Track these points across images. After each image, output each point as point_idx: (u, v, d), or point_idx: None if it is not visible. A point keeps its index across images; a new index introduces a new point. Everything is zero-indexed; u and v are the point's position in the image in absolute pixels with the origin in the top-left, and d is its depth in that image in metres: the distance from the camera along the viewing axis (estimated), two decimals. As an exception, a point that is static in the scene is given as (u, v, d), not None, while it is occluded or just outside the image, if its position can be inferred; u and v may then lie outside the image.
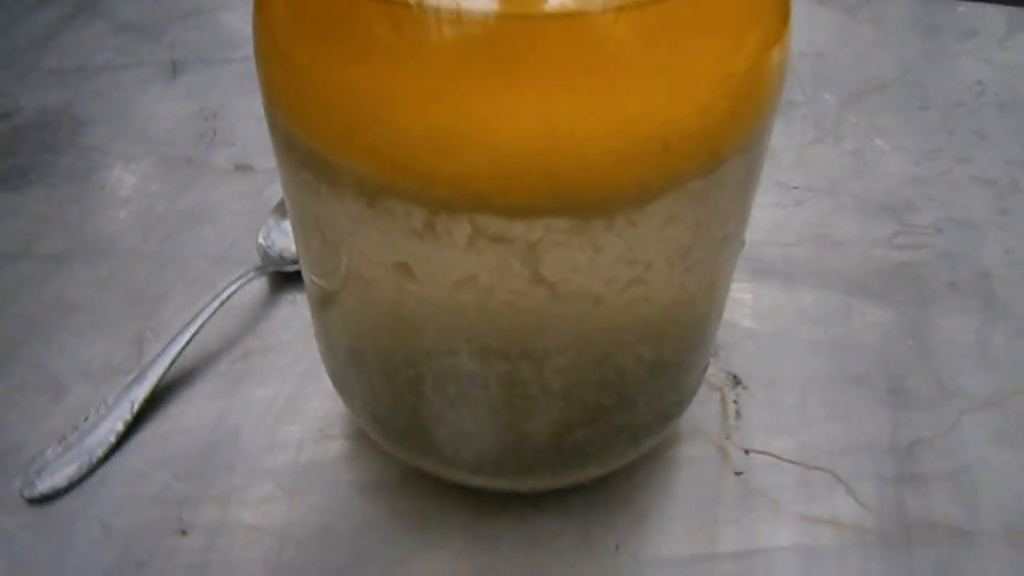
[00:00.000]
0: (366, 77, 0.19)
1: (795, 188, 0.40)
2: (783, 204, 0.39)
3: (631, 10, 0.19)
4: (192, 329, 0.32)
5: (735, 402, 0.31)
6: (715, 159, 0.21)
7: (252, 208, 0.39)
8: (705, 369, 0.28)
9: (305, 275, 0.25)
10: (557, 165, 0.19)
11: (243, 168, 0.41)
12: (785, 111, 0.45)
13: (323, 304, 0.25)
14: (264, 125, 0.46)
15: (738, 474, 0.29)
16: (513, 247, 0.20)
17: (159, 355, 0.31)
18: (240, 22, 0.52)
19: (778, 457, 0.29)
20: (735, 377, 0.32)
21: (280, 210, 0.36)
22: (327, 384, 0.31)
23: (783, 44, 0.22)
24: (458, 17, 0.18)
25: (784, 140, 0.43)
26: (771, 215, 0.39)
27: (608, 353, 0.23)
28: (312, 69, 0.20)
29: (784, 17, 0.22)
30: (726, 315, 0.33)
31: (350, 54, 0.19)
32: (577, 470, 0.26)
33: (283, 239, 0.36)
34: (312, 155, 0.21)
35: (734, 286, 0.35)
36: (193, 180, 0.40)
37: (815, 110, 0.45)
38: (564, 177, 0.19)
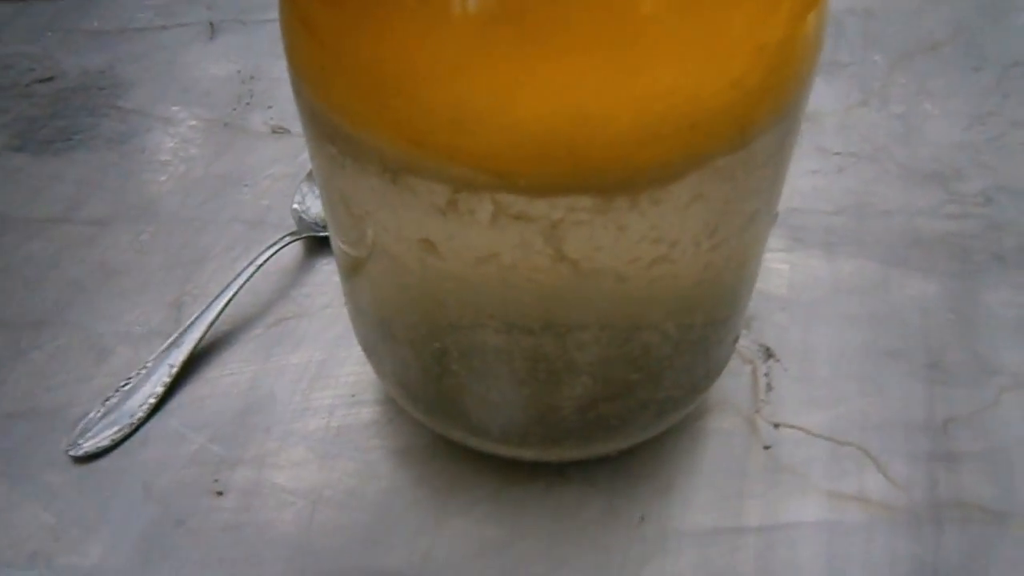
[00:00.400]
0: (389, 51, 0.19)
1: (837, 154, 0.39)
2: (824, 171, 0.38)
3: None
4: (228, 295, 0.33)
5: (766, 375, 0.31)
6: (744, 136, 0.20)
7: (288, 172, 0.39)
8: (736, 341, 0.28)
9: (333, 242, 0.25)
10: (580, 143, 0.19)
11: (280, 131, 0.41)
12: (831, 72, 0.43)
13: (351, 273, 0.25)
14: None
15: (767, 448, 0.29)
16: (535, 225, 0.20)
17: (196, 319, 0.32)
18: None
19: (808, 431, 0.29)
20: (768, 349, 0.32)
21: (309, 181, 0.37)
22: (358, 350, 0.32)
23: (819, 10, 0.21)
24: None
25: (828, 103, 0.41)
26: (811, 182, 0.38)
27: (633, 329, 0.23)
28: (336, 43, 0.20)
29: None
30: (760, 285, 0.33)
31: (374, 27, 0.19)
32: (603, 442, 0.26)
33: (317, 204, 0.36)
34: (336, 129, 0.21)
35: (769, 256, 0.34)
36: (230, 143, 0.41)
37: (862, 71, 0.43)
38: (587, 155, 0.19)
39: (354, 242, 0.24)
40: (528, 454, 0.27)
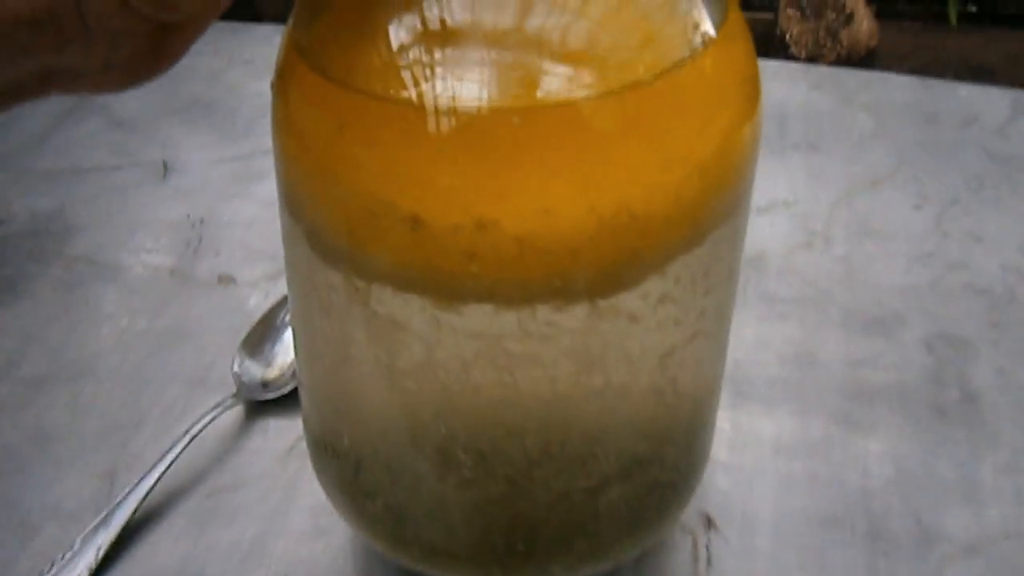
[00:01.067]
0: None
1: (781, 300, 0.39)
2: (767, 318, 0.38)
3: (598, 99, 0.19)
4: (161, 467, 0.32)
5: (707, 547, 0.30)
6: (696, 233, 0.21)
7: (232, 326, 0.39)
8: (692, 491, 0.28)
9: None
10: (539, 241, 0.19)
11: (226, 280, 0.41)
12: (775, 211, 0.44)
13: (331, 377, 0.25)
14: (251, 232, 0.46)
15: (706, 631, 0.28)
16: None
17: (127, 495, 0.31)
18: (233, 116, 0.52)
19: (748, 612, 0.29)
20: (708, 519, 0.31)
21: (248, 344, 0.36)
22: (294, 524, 0.31)
23: (753, 123, 0.22)
24: (453, 112, 0.19)
25: (772, 244, 0.42)
26: (754, 331, 0.38)
27: (580, 456, 0.23)
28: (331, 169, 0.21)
29: (753, 98, 0.22)
30: (701, 449, 0.32)
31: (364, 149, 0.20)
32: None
33: (255, 367, 0.36)
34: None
35: (711, 415, 0.34)
36: (176, 294, 0.41)
37: (806, 210, 0.44)
38: (546, 252, 0.19)
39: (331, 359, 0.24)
40: None
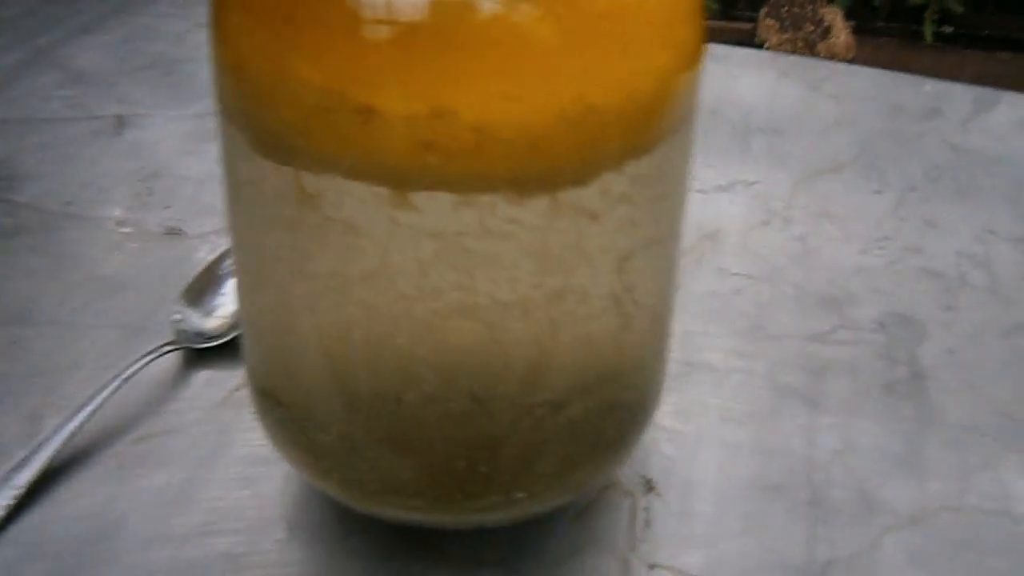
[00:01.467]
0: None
1: (735, 274, 0.39)
2: (721, 292, 0.38)
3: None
4: (88, 408, 0.31)
5: (646, 509, 0.30)
6: (648, 137, 0.21)
7: (177, 275, 0.38)
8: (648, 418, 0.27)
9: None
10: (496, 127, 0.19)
11: (173, 232, 0.40)
12: (735, 190, 0.44)
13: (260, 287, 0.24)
14: (203, 188, 0.45)
15: (639, 591, 0.28)
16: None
17: (50, 436, 0.30)
18: (194, 77, 0.51)
19: (683, 573, 0.28)
20: (649, 482, 0.31)
21: (190, 293, 0.35)
22: (224, 472, 0.30)
23: (701, 45, 0.23)
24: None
25: (730, 222, 0.42)
26: (706, 303, 0.37)
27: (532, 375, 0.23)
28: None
29: (700, 28, 0.23)
30: (646, 413, 0.32)
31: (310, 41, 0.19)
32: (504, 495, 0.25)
33: (195, 316, 0.35)
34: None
35: (658, 381, 0.34)
36: (121, 244, 0.40)
37: (766, 190, 0.44)
38: (502, 140, 0.19)
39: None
40: (419, 512, 0.25)
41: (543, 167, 0.20)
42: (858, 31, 1.23)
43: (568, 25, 0.19)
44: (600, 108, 0.19)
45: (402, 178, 0.19)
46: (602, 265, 0.22)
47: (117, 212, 0.41)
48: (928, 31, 1.24)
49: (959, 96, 0.51)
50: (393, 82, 0.19)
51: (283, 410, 0.25)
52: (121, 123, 0.47)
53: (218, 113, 0.23)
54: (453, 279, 0.21)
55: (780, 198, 0.43)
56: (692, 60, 0.22)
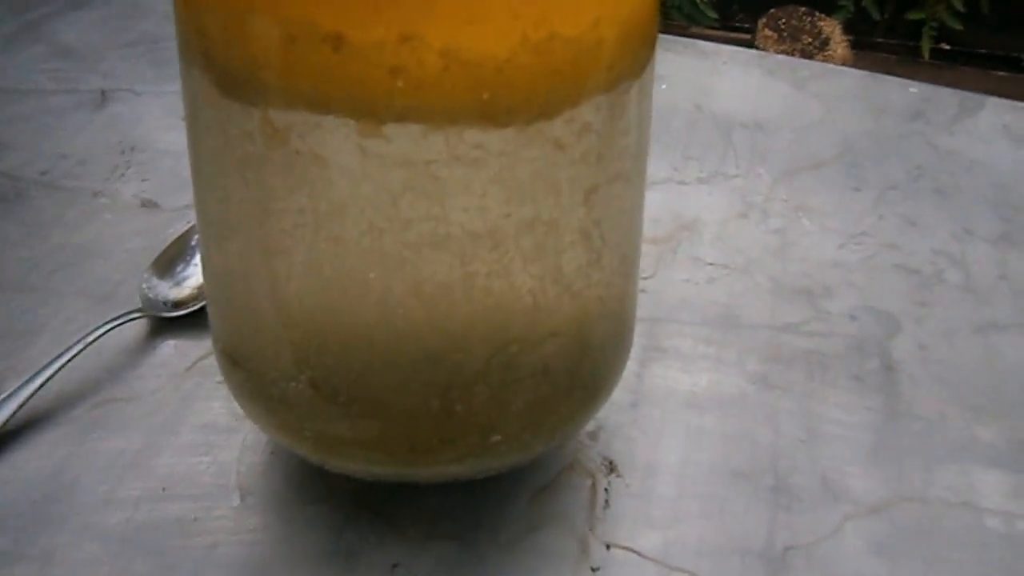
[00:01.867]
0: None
1: (710, 264, 0.39)
2: (694, 280, 0.38)
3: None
4: (48, 372, 0.31)
5: (606, 490, 0.30)
6: (611, 71, 0.21)
7: (149, 247, 0.37)
8: (626, 354, 0.27)
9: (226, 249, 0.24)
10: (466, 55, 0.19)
11: (149, 205, 0.40)
12: (715, 183, 0.44)
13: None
14: (182, 163, 0.45)
15: (595, 570, 0.27)
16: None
17: (7, 397, 0.30)
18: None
19: (640, 554, 0.28)
20: (611, 463, 0.30)
21: (160, 263, 0.35)
22: (181, 438, 0.30)
23: None
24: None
25: (708, 213, 0.42)
26: (679, 291, 0.37)
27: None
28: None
29: None
30: (612, 396, 0.32)
31: None
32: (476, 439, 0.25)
33: (164, 285, 0.34)
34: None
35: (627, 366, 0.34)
36: (95, 214, 0.39)
37: (746, 184, 0.44)
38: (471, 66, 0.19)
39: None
40: (393, 463, 0.25)
41: (509, 94, 0.20)
42: (856, 45, 1.24)
43: None
44: (564, 36, 0.20)
45: (371, 107, 0.20)
46: (569, 196, 0.22)
47: (94, 183, 0.41)
48: (925, 47, 1.24)
49: (944, 99, 0.51)
50: (362, 9, 0.19)
51: (250, 365, 0.25)
52: (104, 97, 0.47)
53: (180, 58, 0.23)
54: (423, 209, 0.21)
55: (759, 192, 0.43)
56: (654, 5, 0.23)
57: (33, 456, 0.29)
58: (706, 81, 0.50)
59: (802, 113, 0.49)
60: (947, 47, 1.31)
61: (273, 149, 0.21)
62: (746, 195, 0.43)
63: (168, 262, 0.35)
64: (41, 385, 0.30)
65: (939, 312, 0.37)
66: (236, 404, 0.29)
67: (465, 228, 0.21)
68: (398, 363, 0.23)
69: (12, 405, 0.30)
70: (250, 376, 0.25)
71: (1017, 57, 1.21)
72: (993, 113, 0.49)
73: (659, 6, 0.23)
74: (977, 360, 0.35)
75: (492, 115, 0.20)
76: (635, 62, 0.23)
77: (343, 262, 0.22)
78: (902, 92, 0.51)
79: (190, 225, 0.37)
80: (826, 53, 1.17)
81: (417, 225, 0.21)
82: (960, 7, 1.17)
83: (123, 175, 0.42)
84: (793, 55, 1.21)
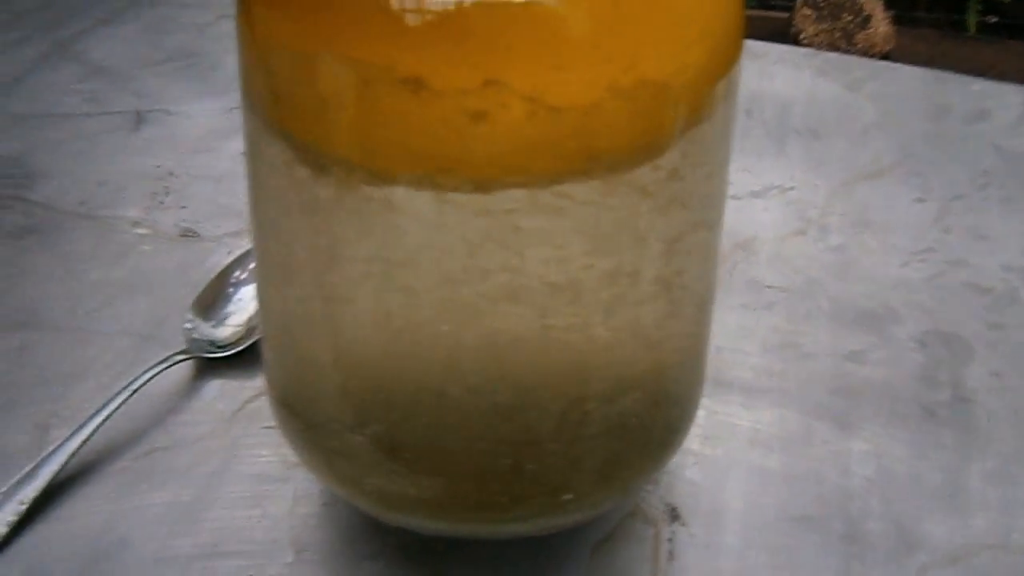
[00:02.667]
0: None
1: (768, 287, 0.37)
2: (753, 306, 0.36)
3: None
4: (97, 420, 0.30)
5: (670, 540, 0.28)
6: (698, 110, 0.21)
7: (191, 280, 0.37)
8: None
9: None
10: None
11: (189, 235, 0.39)
12: (770, 197, 0.42)
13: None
14: (220, 187, 0.44)
15: (661, 629, 0.26)
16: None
17: (58, 448, 0.29)
18: (213, 71, 0.50)
19: (708, 611, 0.27)
20: (674, 510, 0.29)
21: (202, 300, 0.34)
22: (230, 489, 0.29)
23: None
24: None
25: (764, 230, 0.40)
26: (737, 318, 0.36)
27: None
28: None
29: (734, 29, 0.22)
30: (671, 436, 0.30)
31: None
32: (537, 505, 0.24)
33: (207, 324, 0.34)
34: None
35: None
36: (135, 245, 0.39)
37: (802, 196, 0.42)
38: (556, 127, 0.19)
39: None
40: (457, 520, 0.24)
41: (596, 141, 0.19)
42: (898, 21, 1.20)
43: None
44: (653, 80, 0.19)
45: (450, 154, 0.19)
46: (652, 246, 0.21)
47: (132, 212, 0.40)
48: (972, 20, 1.20)
49: (1008, 96, 0.48)
50: (444, 52, 0.18)
51: (309, 415, 0.24)
52: (140, 119, 0.46)
53: (245, 106, 0.22)
54: (501, 259, 0.20)
55: (817, 205, 0.41)
56: (738, 30, 0.22)
57: (81, 511, 0.29)
58: (756, 85, 0.48)
59: (858, 116, 0.47)
60: (994, 19, 1.26)
61: (343, 195, 0.20)
62: (803, 209, 0.41)
63: (210, 300, 0.34)
64: (89, 436, 0.30)
65: (1014, 335, 0.35)
66: (286, 452, 0.28)
67: (544, 280, 0.20)
68: (468, 419, 0.22)
69: (61, 457, 0.29)
70: (308, 427, 0.25)
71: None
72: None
73: (743, 30, 0.22)
74: (1056, 388, 0.33)
75: (578, 162, 0.19)
76: (718, 104, 0.22)
77: (414, 313, 0.21)
78: (963, 90, 0.49)
79: (231, 259, 0.36)
80: (867, 31, 1.13)
81: (494, 276, 0.20)
82: (1008, -21, 1.13)
83: (162, 202, 0.41)
84: (833, 34, 1.17)
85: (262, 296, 0.25)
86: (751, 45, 0.52)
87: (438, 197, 0.19)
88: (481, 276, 0.20)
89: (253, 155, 0.23)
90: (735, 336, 0.35)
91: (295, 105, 0.20)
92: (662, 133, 0.20)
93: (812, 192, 0.42)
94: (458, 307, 0.21)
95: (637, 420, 0.24)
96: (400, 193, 0.19)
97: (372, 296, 0.21)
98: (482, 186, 0.19)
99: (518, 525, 0.25)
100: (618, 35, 0.19)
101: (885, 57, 1.14)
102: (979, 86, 0.49)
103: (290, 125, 0.20)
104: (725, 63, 0.21)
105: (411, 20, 0.18)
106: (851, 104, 0.48)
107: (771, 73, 0.50)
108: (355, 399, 0.23)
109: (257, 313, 0.33)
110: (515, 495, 0.24)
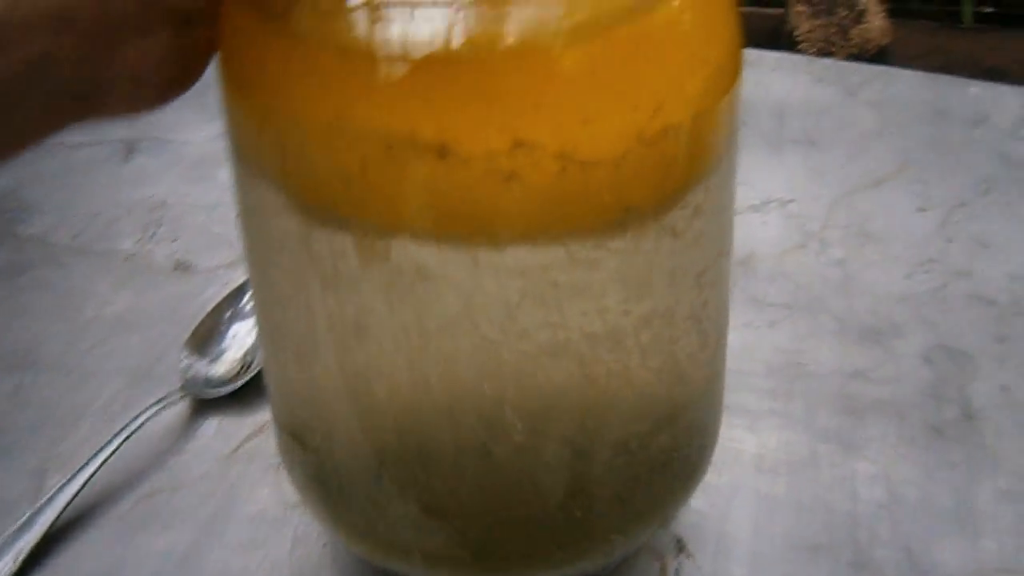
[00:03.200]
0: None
1: (771, 305, 0.37)
2: (755, 324, 0.36)
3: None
4: (94, 465, 0.30)
5: (676, 572, 0.28)
6: (720, 146, 0.21)
7: (186, 316, 0.36)
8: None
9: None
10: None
11: (183, 267, 0.39)
12: (769, 210, 0.41)
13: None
14: (213, 216, 0.44)
15: (671, 666, 0.26)
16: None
17: (53, 496, 0.29)
18: (203, 99, 0.49)
19: (718, 647, 0.26)
20: (679, 541, 0.29)
21: (196, 337, 0.34)
22: (230, 533, 0.29)
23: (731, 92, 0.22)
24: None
25: (764, 245, 0.39)
26: (741, 338, 0.35)
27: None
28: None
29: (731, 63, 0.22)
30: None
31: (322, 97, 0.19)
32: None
33: (202, 362, 0.33)
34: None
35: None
36: (129, 279, 0.38)
37: (802, 209, 0.41)
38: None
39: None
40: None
41: (628, 191, 0.19)
42: (893, 14, 1.19)
43: (642, 48, 0.19)
44: (677, 124, 0.19)
45: (483, 217, 0.18)
46: (683, 283, 0.22)
47: (126, 245, 0.40)
48: (967, 11, 1.19)
49: (1008, 100, 0.48)
50: (470, 117, 0.18)
51: (343, 486, 0.24)
52: (130, 148, 0.46)
53: (244, 173, 0.21)
54: (541, 317, 0.20)
55: (817, 218, 0.41)
56: (739, 63, 0.22)
57: (82, 559, 0.28)
58: (752, 93, 0.48)
59: (857, 123, 0.46)
60: (989, 9, 1.26)
61: (370, 267, 0.19)
62: (803, 222, 0.41)
63: (204, 336, 0.34)
64: (85, 482, 0.29)
65: (1021, 348, 0.35)
66: (285, 490, 0.27)
67: (584, 331, 0.20)
68: (516, 475, 0.22)
69: (59, 504, 0.29)
70: (343, 497, 0.24)
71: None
72: (1062, 113, 0.46)
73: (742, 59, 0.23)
74: (1065, 401, 0.33)
75: (612, 214, 0.19)
76: (731, 135, 0.22)
77: (454, 377, 0.21)
78: (961, 93, 0.48)
79: (226, 292, 0.36)
80: (862, 26, 1.12)
81: (534, 333, 0.20)
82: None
83: (154, 234, 0.41)
84: (828, 29, 1.16)
85: (278, 370, 0.24)
86: (746, 52, 0.52)
87: (474, 261, 0.19)
88: (520, 335, 0.20)
89: (252, 226, 0.22)
90: (738, 357, 0.34)
91: (310, 178, 0.19)
92: (689, 173, 0.20)
93: (812, 204, 0.42)
94: (499, 367, 0.20)
95: (676, 452, 0.24)
96: (432, 261, 0.19)
97: (407, 365, 0.21)
98: (517, 246, 0.19)
99: (564, 570, 0.25)
100: (642, 82, 0.19)
101: (881, 51, 1.13)
102: (976, 89, 0.48)
103: (303, 196, 0.20)
104: (729, 86, 0.21)
105: (434, 87, 0.17)
106: (849, 111, 0.47)
107: (767, 82, 0.49)
108: (395, 471, 0.23)
109: (258, 354, 0.33)
110: (564, 544, 0.24)
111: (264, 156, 0.20)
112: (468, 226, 0.18)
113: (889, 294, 0.37)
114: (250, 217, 0.22)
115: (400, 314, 0.20)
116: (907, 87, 0.49)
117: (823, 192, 0.42)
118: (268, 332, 0.24)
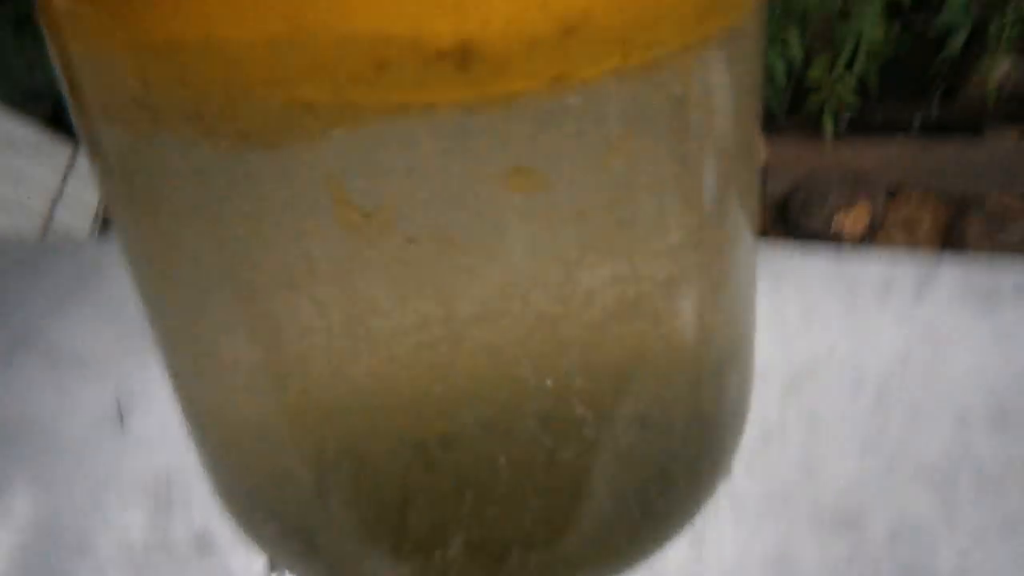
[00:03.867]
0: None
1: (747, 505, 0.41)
2: (739, 521, 0.40)
3: None
4: None
5: None
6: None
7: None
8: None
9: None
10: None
11: (205, 546, 0.40)
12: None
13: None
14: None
15: None
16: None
17: None
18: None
19: None
20: None
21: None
22: None
23: None
24: None
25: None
26: (731, 540, 0.39)
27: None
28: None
29: None
30: None
31: None
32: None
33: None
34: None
35: None
36: (147, 568, 0.39)
37: (755, 403, 0.46)
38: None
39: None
40: None
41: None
42: (764, 131, 1.31)
43: None
44: None
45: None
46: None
47: (136, 531, 0.41)
48: (827, 125, 1.33)
49: (901, 268, 0.55)
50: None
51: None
52: (122, 413, 0.47)
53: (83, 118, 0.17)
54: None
55: (771, 410, 0.46)
56: None
57: None
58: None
59: (783, 313, 0.52)
60: (848, 116, 1.40)
61: (367, 247, 0.14)
62: (761, 418, 0.45)
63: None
64: None
65: (967, 511, 0.40)
66: None
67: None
68: (582, 480, 0.20)
69: None
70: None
71: (918, 123, 1.31)
72: (951, 279, 0.54)
73: None
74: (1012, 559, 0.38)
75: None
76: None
77: (494, 372, 0.16)
78: (863, 268, 0.55)
79: (254, 570, 0.37)
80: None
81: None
82: (854, 88, 1.27)
83: (167, 508, 0.42)
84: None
85: (196, 401, 0.20)
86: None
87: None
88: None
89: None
90: (729, 572, 0.38)
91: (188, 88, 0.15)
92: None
93: (761, 398, 0.47)
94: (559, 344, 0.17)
95: (691, 446, 0.23)
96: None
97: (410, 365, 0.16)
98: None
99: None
100: None
101: (760, 169, 1.25)
102: (878, 261, 0.56)
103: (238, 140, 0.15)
104: None
105: None
106: (773, 299, 0.53)
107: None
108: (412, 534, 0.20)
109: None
110: (588, 558, 0.23)
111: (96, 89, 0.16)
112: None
113: (849, 479, 0.42)
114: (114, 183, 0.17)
115: (423, 302, 0.14)
116: (821, 264, 0.55)
117: (769, 387, 0.48)
118: (183, 374, 0.20)
